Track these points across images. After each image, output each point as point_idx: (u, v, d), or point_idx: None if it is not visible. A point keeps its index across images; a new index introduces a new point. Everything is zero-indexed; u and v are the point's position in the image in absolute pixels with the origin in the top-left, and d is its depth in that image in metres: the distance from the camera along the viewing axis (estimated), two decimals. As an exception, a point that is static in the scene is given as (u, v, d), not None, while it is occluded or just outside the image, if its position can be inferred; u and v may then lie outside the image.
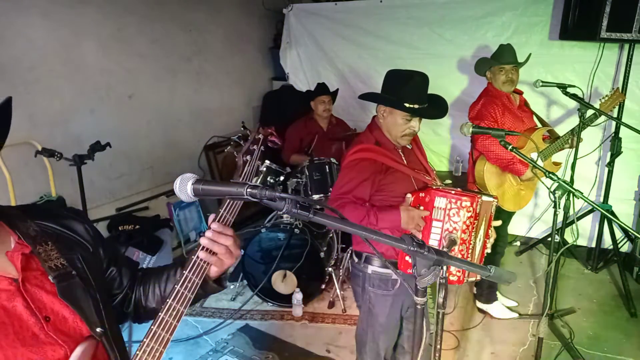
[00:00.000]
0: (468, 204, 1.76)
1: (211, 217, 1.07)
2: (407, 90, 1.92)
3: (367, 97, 2.08)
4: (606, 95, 2.94)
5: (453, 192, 1.81)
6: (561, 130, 3.11)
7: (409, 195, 1.92)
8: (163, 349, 0.91)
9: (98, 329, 0.92)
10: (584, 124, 2.85)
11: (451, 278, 1.82)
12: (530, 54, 3.05)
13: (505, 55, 2.93)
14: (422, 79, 1.96)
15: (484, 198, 1.85)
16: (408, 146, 2.10)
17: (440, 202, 1.79)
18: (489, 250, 1.99)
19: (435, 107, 2.01)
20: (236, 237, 1.07)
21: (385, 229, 1.87)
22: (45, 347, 0.85)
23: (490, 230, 1.98)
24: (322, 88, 4.03)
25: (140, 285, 1.15)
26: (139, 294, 1.14)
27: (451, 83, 4.09)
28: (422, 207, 1.87)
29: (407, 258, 1.86)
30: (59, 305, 0.90)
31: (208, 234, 1.03)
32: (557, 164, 3.03)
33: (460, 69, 4.14)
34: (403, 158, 2.04)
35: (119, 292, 1.12)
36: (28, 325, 0.85)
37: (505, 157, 2.77)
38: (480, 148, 2.82)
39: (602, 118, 3.03)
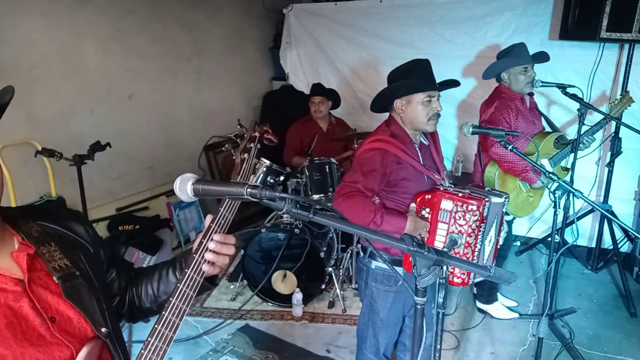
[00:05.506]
0: (474, 207, 1.72)
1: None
2: (417, 73, 1.92)
3: (380, 97, 2.02)
4: (616, 99, 2.93)
5: (460, 194, 1.77)
6: (561, 130, 3.10)
7: (412, 204, 1.89)
8: (167, 347, 0.92)
9: (103, 329, 0.92)
10: (594, 129, 2.84)
11: (456, 280, 1.79)
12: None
13: (526, 55, 2.85)
14: (424, 61, 1.96)
15: (493, 200, 1.81)
16: (425, 142, 2.07)
17: (446, 204, 1.76)
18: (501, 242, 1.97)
19: (446, 83, 1.99)
20: (235, 240, 1.08)
21: (387, 231, 1.83)
22: (52, 348, 0.86)
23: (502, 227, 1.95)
24: (313, 89, 4.02)
25: (133, 285, 1.15)
26: (132, 295, 1.15)
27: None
28: (427, 209, 1.85)
29: (411, 258, 1.84)
30: (64, 305, 0.90)
31: (211, 245, 1.03)
32: (565, 170, 3.01)
33: (460, 69, 4.14)
34: (419, 154, 2.01)
35: (117, 294, 1.12)
36: (34, 326, 0.86)
37: (519, 165, 2.70)
38: (494, 156, 2.76)
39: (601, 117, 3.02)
